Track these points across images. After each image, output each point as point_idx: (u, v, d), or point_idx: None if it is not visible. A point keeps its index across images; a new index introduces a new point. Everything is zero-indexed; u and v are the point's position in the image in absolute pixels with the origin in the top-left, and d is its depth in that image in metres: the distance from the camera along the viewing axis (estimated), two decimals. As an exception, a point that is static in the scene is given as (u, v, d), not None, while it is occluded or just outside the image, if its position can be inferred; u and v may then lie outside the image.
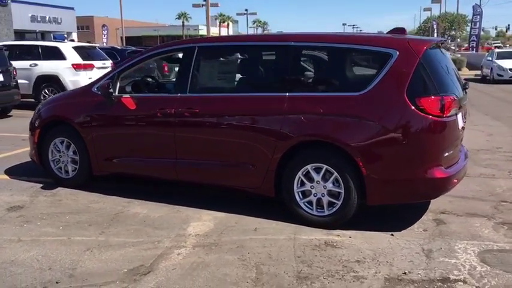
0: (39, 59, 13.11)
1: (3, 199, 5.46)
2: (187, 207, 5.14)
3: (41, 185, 5.94)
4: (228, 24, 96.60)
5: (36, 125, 6.03)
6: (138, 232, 4.49)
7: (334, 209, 4.52)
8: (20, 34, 43.38)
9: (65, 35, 48.31)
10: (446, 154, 4.37)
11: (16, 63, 12.51)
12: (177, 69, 5.98)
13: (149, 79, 5.85)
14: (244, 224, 4.69)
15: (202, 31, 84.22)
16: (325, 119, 4.45)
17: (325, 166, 4.48)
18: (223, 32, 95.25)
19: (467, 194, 5.60)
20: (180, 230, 4.53)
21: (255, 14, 76.32)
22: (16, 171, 6.59)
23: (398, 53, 4.32)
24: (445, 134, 4.31)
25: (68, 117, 5.75)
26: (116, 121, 5.48)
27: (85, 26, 74.13)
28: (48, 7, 51.29)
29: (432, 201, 5.30)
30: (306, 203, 4.62)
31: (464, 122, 5.10)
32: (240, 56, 5.33)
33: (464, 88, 4.92)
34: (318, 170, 4.53)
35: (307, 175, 4.57)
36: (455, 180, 4.51)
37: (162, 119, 5.13)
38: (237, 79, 5.29)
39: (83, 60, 12.94)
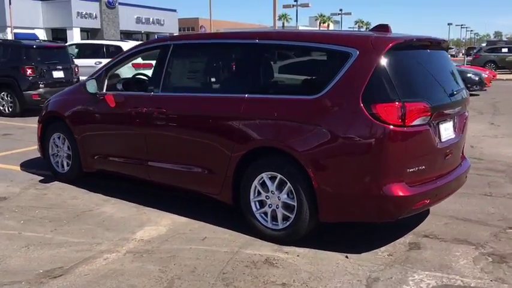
0: (103, 57, 13.72)
1: (-4, 190, 5.68)
2: (156, 209, 4.98)
3: (41, 178, 6.11)
4: (328, 25, 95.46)
5: (39, 119, 6.21)
6: (88, 232, 4.40)
7: (288, 223, 4.09)
8: (125, 35, 46.32)
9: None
10: (412, 170, 3.75)
11: (84, 61, 13.20)
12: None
13: (141, 77, 5.75)
14: (198, 232, 4.41)
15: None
16: (278, 124, 4.03)
17: (279, 175, 4.07)
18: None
19: (473, 216, 4.85)
20: (129, 234, 4.36)
21: (349, 14, 74.29)
22: (31, 164, 6.83)
23: (358, 52, 3.78)
24: (408, 146, 3.70)
25: (61, 113, 5.83)
26: (99, 119, 5.47)
27: (190, 27, 77.26)
28: (152, 9, 54.13)
29: (425, 221, 4.67)
30: (262, 214, 4.24)
31: (462, 133, 4.39)
32: (207, 55, 5.03)
33: (453, 94, 4.20)
34: (273, 179, 4.13)
35: (263, 184, 4.19)
36: (426, 201, 3.87)
37: (135, 118, 5.00)
38: (203, 78, 5.01)
39: (143, 59, 13.30)
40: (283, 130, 4.01)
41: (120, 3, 40.07)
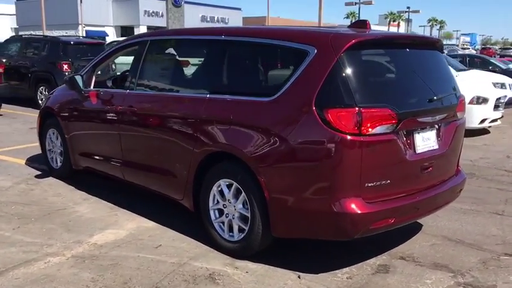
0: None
1: (-14, 183, 5.73)
2: (130, 211, 4.79)
3: (38, 173, 6.12)
4: (398, 24, 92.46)
5: (39, 114, 6.22)
6: (47, 232, 4.27)
7: (242, 236, 3.75)
8: (190, 32, 47.18)
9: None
10: (372, 184, 3.28)
11: (124, 59, 13.36)
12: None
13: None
14: (156, 238, 4.17)
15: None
16: (234, 128, 3.70)
17: (235, 183, 3.74)
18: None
19: (469, 237, 4.27)
20: (86, 237, 4.19)
21: (417, 12, 71.21)
22: (37, 159, 6.84)
23: (316, 50, 3.37)
24: (366, 157, 3.22)
25: (53, 109, 5.79)
26: (84, 116, 5.37)
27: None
28: (217, 8, 54.80)
29: (410, 240, 4.17)
30: (221, 224, 3.93)
31: (451, 144, 3.86)
32: (178, 52, 4.75)
33: (433, 100, 3.66)
34: (230, 187, 3.81)
35: (222, 192, 3.88)
36: (389, 220, 3.40)
37: (113, 116, 4.84)
38: (173, 77, 4.73)
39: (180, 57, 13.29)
40: (238, 135, 3.67)
41: (186, 2, 40.84)
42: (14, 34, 33.92)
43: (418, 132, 3.57)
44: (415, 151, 3.54)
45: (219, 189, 3.87)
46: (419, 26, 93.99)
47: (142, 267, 3.64)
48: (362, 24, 3.85)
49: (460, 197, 5.31)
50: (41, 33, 23.38)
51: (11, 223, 4.48)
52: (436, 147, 3.72)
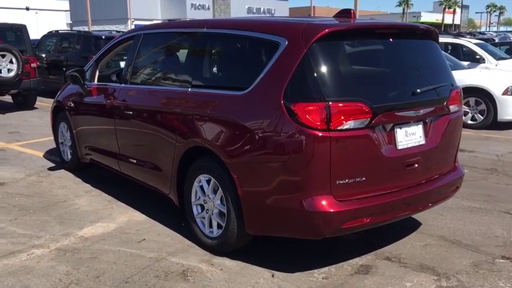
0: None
1: (2, 174, 5.92)
2: (126, 204, 4.84)
3: (51, 166, 6.28)
4: (454, 10, 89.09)
5: (51, 107, 6.37)
6: (41, 224, 4.36)
7: (220, 232, 3.68)
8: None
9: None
10: (345, 181, 3.11)
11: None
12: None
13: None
14: (142, 232, 4.17)
15: (424, 18, 79.49)
16: (210, 122, 3.63)
17: (213, 179, 3.67)
18: (448, 20, 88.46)
19: (468, 237, 4.02)
20: (76, 229, 4.25)
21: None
22: (54, 152, 7.03)
23: (287, 42, 3.23)
24: (336, 153, 3.05)
25: (62, 103, 5.91)
26: (87, 110, 5.44)
27: (307, 16, 76.72)
28: (263, -1, 54.58)
29: (403, 239, 3.98)
30: (202, 219, 3.88)
31: (441, 139, 3.62)
32: (166, 45, 4.68)
33: (416, 93, 3.42)
34: (209, 183, 3.75)
35: (202, 187, 3.82)
36: (364, 219, 3.22)
37: (109, 109, 4.87)
38: (161, 71, 4.67)
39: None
40: (214, 129, 3.59)
41: (231, -6, 40.90)
42: (68, 29, 35.19)
43: (401, 127, 3.36)
44: (396, 147, 3.34)
45: (200, 184, 3.82)
46: (476, 13, 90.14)
47: (120, 261, 3.64)
48: (346, 13, 3.66)
49: (471, 194, 5.07)
50: (86, 28, 24.07)
51: (10, 214, 4.61)
52: (423, 142, 3.50)
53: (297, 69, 3.11)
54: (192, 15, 47.52)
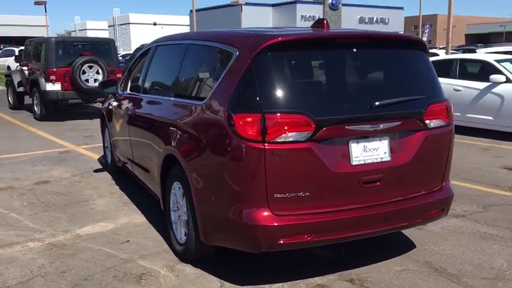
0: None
1: (52, 173, 6.52)
2: (138, 207, 5.09)
3: (97, 168, 6.78)
4: None
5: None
6: (52, 221, 4.73)
7: (185, 239, 3.74)
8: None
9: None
10: (284, 196, 2.99)
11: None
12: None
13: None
14: (131, 234, 4.35)
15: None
16: (178, 131, 3.72)
17: (181, 186, 3.74)
18: None
19: (458, 266, 3.63)
20: (77, 227, 4.55)
21: None
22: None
23: (238, 52, 3.21)
24: (272, 166, 2.95)
25: (103, 111, 6.38)
26: (115, 117, 5.82)
27: (430, 24, 73.52)
28: (377, 8, 53.22)
29: (384, 262, 3.71)
30: (175, 225, 3.96)
31: (414, 156, 3.33)
32: (169, 57, 4.80)
33: (374, 106, 3.16)
34: (180, 190, 3.82)
35: (176, 194, 3.91)
36: (305, 236, 3.06)
37: (127, 118, 5.20)
38: (153, 80, 4.89)
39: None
40: (180, 138, 3.69)
41: (343, 4, 40.64)
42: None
43: (358, 142, 3.15)
44: (350, 162, 3.14)
45: (174, 191, 3.91)
46: None
47: (93, 259, 3.84)
48: (319, 23, 3.54)
49: (497, 219, 4.57)
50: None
51: (34, 210, 5.06)
52: (388, 158, 3.24)
53: (241, 80, 3.08)
54: (302, 26, 47.89)
